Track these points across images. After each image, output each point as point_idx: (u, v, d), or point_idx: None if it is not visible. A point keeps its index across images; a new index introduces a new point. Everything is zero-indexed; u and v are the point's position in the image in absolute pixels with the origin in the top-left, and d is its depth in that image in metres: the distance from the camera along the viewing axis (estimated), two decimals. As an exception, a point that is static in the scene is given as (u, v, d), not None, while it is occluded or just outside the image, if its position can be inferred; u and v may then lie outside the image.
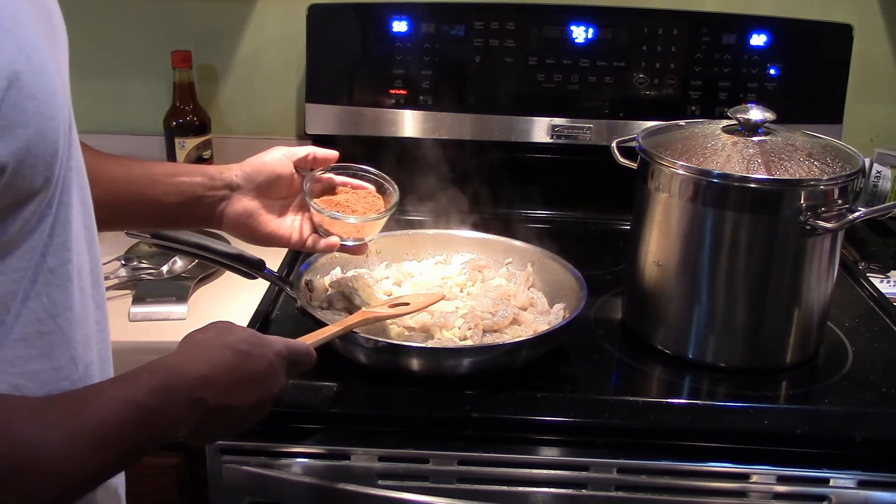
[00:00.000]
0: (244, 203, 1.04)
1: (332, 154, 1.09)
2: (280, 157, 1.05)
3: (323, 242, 1.07)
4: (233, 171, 1.04)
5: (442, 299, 1.12)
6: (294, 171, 1.06)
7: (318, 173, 1.09)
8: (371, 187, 1.12)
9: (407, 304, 1.08)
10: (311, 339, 0.96)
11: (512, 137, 1.57)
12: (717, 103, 1.54)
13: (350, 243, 1.09)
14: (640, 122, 1.48)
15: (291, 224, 1.07)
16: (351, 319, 1.03)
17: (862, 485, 0.99)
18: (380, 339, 1.03)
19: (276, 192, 1.06)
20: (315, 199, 1.07)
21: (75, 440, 0.65)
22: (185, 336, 0.84)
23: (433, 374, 1.04)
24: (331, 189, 1.11)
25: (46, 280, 0.67)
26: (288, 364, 0.88)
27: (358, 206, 1.09)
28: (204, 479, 1.02)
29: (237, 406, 0.80)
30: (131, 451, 0.70)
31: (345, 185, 1.11)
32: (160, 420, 0.72)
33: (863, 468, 0.99)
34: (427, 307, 1.09)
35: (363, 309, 1.08)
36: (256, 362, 0.83)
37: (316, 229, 1.08)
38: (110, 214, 0.96)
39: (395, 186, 1.11)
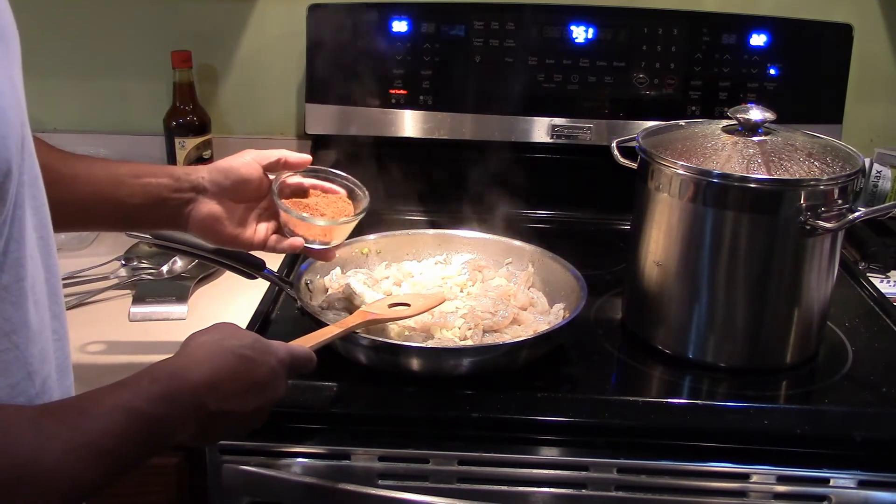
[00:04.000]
0: (210, 206, 1.01)
1: (305, 158, 1.07)
2: (249, 161, 1.04)
3: (286, 242, 1.05)
4: (200, 173, 1.02)
5: (443, 302, 1.12)
6: (263, 174, 1.05)
7: (287, 176, 1.07)
8: (342, 191, 1.10)
9: (407, 304, 1.08)
10: (311, 341, 0.96)
11: (512, 137, 1.57)
12: (717, 103, 1.54)
13: (317, 246, 1.08)
14: (640, 122, 1.49)
15: (257, 228, 1.06)
16: (351, 320, 1.03)
17: (862, 485, 0.99)
18: (380, 339, 1.03)
19: (243, 195, 1.04)
20: (283, 200, 1.05)
21: (74, 451, 0.64)
22: (189, 336, 0.83)
23: (433, 374, 1.04)
24: (301, 192, 1.09)
25: (0, 298, 0.66)
26: (289, 370, 0.88)
27: (327, 210, 1.07)
28: (204, 479, 1.02)
29: (238, 412, 0.80)
30: (131, 460, 0.70)
31: (314, 188, 1.10)
32: (161, 427, 0.72)
33: (863, 468, 0.99)
34: (427, 310, 1.09)
35: (362, 309, 1.08)
36: (260, 369, 0.82)
37: (282, 231, 1.07)
38: (74, 214, 0.96)
39: (366, 192, 1.10)
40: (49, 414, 0.66)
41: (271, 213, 1.08)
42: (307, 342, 0.95)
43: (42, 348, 0.71)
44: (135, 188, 0.98)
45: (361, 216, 1.08)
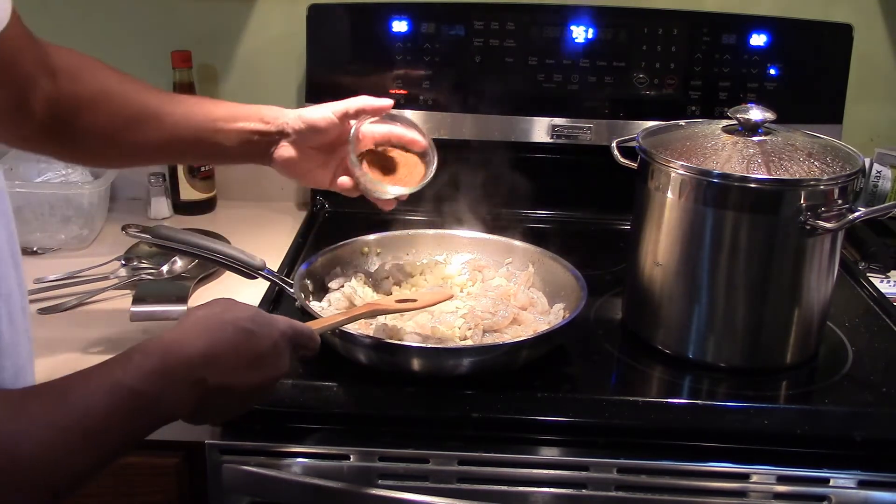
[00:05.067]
0: (290, 150, 1.10)
1: (385, 104, 1.11)
2: (327, 114, 1.09)
3: (340, 182, 1.13)
4: (287, 120, 1.09)
5: (451, 297, 1.11)
6: (341, 124, 1.10)
7: (367, 123, 1.12)
8: (423, 141, 1.14)
9: (415, 300, 1.08)
10: (317, 325, 0.95)
11: (512, 137, 1.57)
12: (717, 103, 1.54)
13: (382, 196, 1.14)
14: (640, 122, 1.48)
15: (335, 168, 1.13)
16: (358, 310, 1.03)
17: (862, 485, 0.99)
18: (380, 339, 1.03)
19: (321, 143, 1.12)
20: (361, 159, 1.11)
21: (61, 435, 0.62)
22: (187, 311, 0.83)
23: (433, 374, 1.04)
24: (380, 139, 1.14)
25: None
26: (292, 346, 0.86)
27: (399, 168, 1.13)
28: (204, 479, 1.02)
29: (239, 387, 0.78)
30: (125, 440, 0.68)
31: (391, 138, 1.14)
32: (156, 404, 0.70)
33: (863, 468, 0.99)
34: (435, 304, 1.09)
35: (370, 301, 1.08)
36: (260, 341, 0.81)
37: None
38: (172, 153, 1.13)
39: (436, 152, 1.14)
40: (31, 396, 0.64)
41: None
42: (313, 326, 0.94)
43: (15, 363, 0.69)
44: (230, 133, 1.08)
45: (427, 181, 1.13)
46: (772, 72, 1.54)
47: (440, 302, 1.09)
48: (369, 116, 1.11)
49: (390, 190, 1.11)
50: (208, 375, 0.74)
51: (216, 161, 1.21)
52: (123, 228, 1.09)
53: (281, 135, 1.09)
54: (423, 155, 1.14)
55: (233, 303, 0.84)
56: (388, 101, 1.11)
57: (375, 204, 1.16)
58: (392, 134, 1.14)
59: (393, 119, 1.14)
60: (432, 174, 1.13)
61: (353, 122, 1.10)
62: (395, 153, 1.14)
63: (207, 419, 0.81)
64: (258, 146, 1.10)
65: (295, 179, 1.16)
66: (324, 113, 1.09)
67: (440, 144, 1.53)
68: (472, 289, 1.22)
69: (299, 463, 1.01)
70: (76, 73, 1.02)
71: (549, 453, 1.01)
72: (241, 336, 0.79)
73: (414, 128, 1.15)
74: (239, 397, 0.80)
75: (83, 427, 0.64)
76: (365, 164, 1.11)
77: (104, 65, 1.06)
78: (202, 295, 1.31)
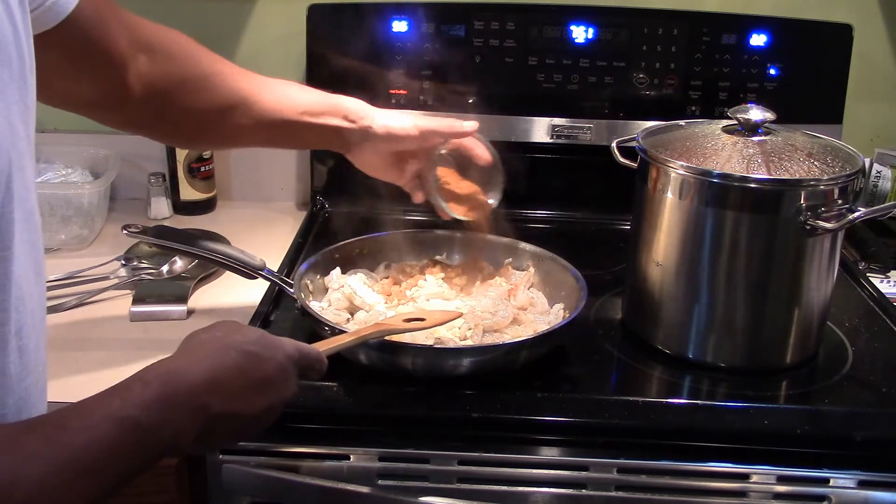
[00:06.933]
0: (370, 151, 1.17)
1: (470, 128, 1.17)
2: (411, 129, 1.15)
3: (417, 195, 1.22)
4: (371, 124, 1.15)
5: (459, 317, 1.09)
6: (423, 137, 1.16)
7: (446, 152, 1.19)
8: (488, 156, 1.20)
9: (423, 319, 1.05)
10: (324, 347, 0.93)
11: (512, 137, 1.57)
12: (717, 103, 1.54)
13: (448, 211, 1.22)
14: (640, 122, 1.48)
15: (407, 170, 1.20)
16: (365, 330, 1.00)
17: (862, 485, 0.99)
18: (380, 339, 1.03)
19: (401, 150, 1.18)
20: (439, 170, 1.19)
21: (58, 472, 0.59)
22: (189, 335, 0.79)
23: (433, 374, 1.04)
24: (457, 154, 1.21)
25: None
26: (299, 368, 0.84)
27: (469, 190, 1.21)
28: (204, 479, 1.02)
29: (244, 412, 0.75)
30: (128, 472, 0.65)
31: (460, 147, 1.20)
32: (159, 435, 0.67)
33: (863, 468, 0.99)
34: (444, 323, 1.07)
35: (378, 321, 1.07)
36: (265, 365, 0.78)
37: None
38: (260, 138, 1.16)
39: (502, 172, 1.21)
40: (29, 430, 0.62)
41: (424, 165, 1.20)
42: (319, 348, 0.92)
43: (20, 398, 0.67)
44: (315, 128, 1.13)
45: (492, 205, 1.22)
46: (772, 72, 1.53)
47: (449, 321, 1.07)
48: (454, 138, 1.17)
49: (459, 216, 1.21)
50: (211, 402, 0.72)
51: (296, 146, 1.30)
52: (123, 228, 1.09)
53: (362, 135, 1.14)
54: (487, 172, 1.21)
55: (236, 325, 0.81)
56: (474, 125, 1.17)
57: (437, 211, 1.23)
58: (461, 144, 1.19)
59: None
60: (499, 199, 1.22)
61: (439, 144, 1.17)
62: (462, 182, 1.22)
63: (212, 447, 0.78)
64: (338, 139, 1.16)
65: (367, 173, 1.22)
66: (408, 128, 1.15)
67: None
68: (473, 289, 1.22)
69: (299, 463, 1.01)
70: (171, 51, 1.05)
71: (549, 453, 1.01)
72: (246, 360, 0.76)
73: (483, 143, 1.20)
74: (244, 423, 0.77)
75: (82, 463, 0.61)
76: (447, 201, 1.19)
77: (198, 44, 1.09)
78: (202, 295, 1.31)
